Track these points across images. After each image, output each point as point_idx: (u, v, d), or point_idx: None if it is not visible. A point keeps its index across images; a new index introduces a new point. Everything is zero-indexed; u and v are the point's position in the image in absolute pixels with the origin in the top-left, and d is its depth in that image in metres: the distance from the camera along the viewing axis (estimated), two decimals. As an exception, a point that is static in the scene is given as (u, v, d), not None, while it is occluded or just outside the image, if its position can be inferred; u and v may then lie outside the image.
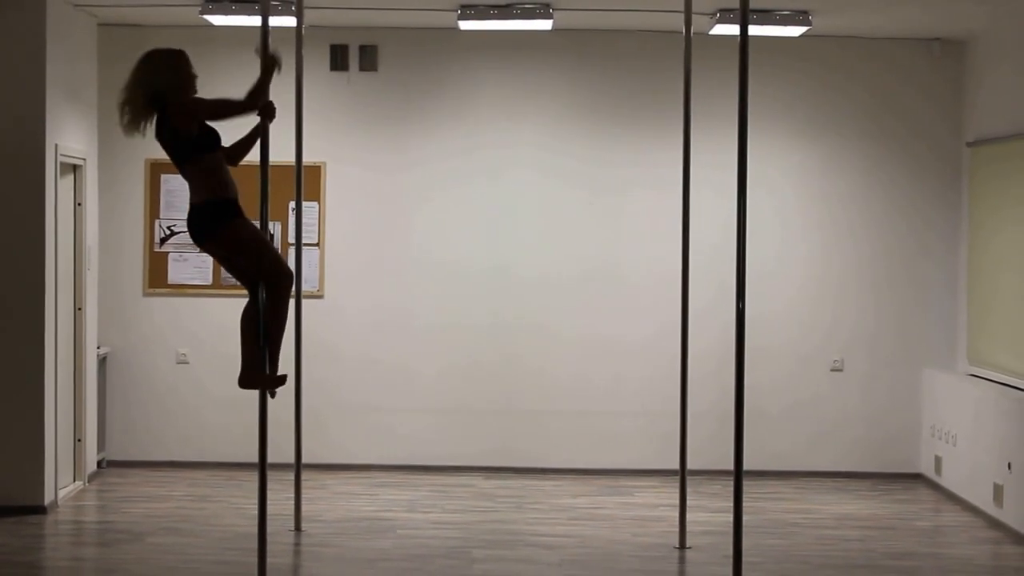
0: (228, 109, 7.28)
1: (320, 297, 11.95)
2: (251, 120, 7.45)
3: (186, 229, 7.35)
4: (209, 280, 11.84)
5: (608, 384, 12.13)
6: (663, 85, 11.75)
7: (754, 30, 10.46)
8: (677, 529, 9.50)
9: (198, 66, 12.13)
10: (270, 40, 7.54)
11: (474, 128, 12.09)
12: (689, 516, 9.58)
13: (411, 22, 11.76)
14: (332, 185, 12.02)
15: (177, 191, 11.79)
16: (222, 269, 11.58)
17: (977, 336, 11.45)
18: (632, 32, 11.94)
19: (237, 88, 11.85)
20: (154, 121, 7.19)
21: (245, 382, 7.49)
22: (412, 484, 11.50)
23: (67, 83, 10.71)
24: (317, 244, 11.84)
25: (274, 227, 11.60)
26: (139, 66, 7.20)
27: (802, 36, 11.44)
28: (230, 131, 7.48)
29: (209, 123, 7.25)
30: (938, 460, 11.63)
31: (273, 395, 7.58)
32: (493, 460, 12.06)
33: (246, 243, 7.27)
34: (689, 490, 9.67)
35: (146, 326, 12.02)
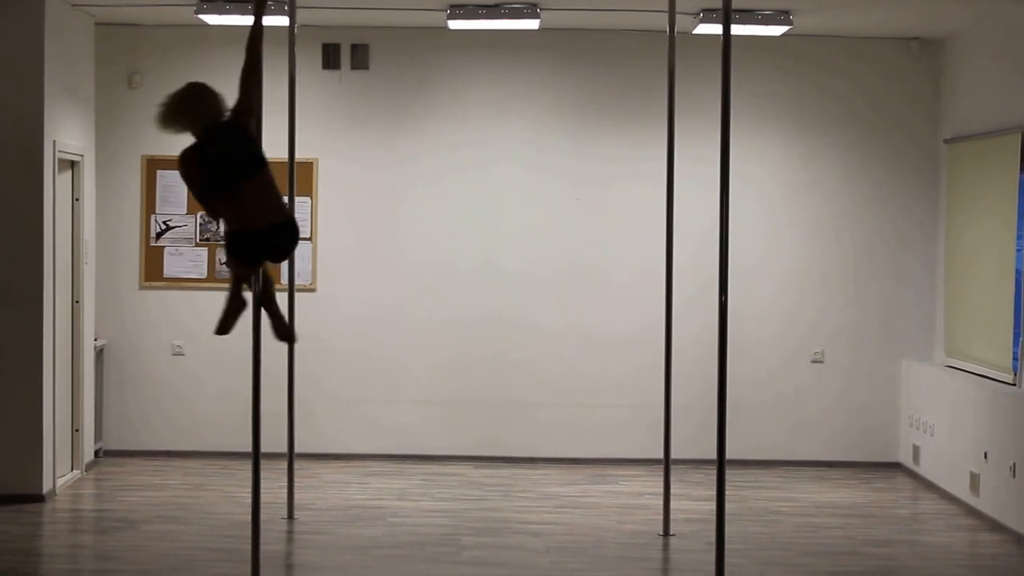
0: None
1: (312, 291, 12.07)
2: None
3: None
4: (204, 274, 11.94)
5: (594, 376, 12.27)
6: (648, 83, 11.88)
7: (737, 29, 10.62)
8: (661, 517, 9.62)
9: (194, 64, 12.38)
10: (264, 41, 7.67)
11: (463, 125, 12.22)
12: (673, 504, 9.70)
13: (401, 21, 11.88)
14: (324, 181, 12.15)
15: (173, 187, 11.92)
16: (217, 263, 11.79)
17: (954, 328, 11.62)
18: (617, 31, 12.08)
19: (230, 87, 12.07)
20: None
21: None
22: (403, 473, 11.61)
23: (65, 81, 10.82)
24: (309, 239, 11.92)
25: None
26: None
27: (784, 35, 11.57)
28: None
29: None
30: (916, 450, 11.80)
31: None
32: (482, 450, 12.19)
33: None
34: (673, 479, 9.80)
35: (142, 319, 12.12)
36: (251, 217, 7.31)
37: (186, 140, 7.54)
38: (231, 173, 7.32)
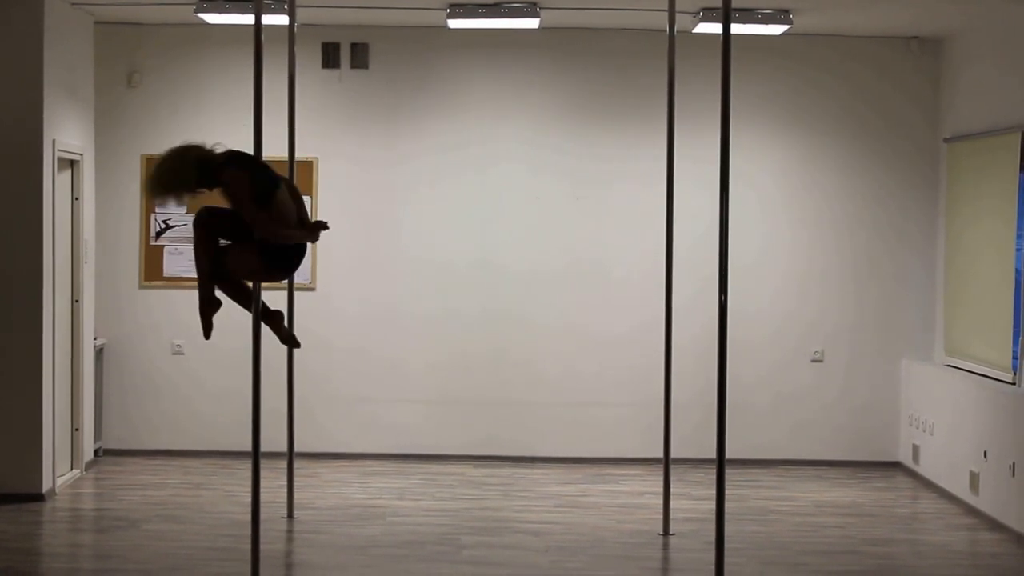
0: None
1: (312, 289, 12.07)
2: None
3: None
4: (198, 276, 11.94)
5: (594, 375, 12.27)
6: (648, 82, 11.90)
7: (736, 28, 10.63)
8: (661, 516, 9.63)
9: (193, 64, 12.38)
10: (263, 39, 7.67)
11: (463, 124, 12.23)
12: (673, 503, 9.71)
13: (401, 20, 11.88)
14: (324, 180, 12.15)
15: (172, 186, 11.93)
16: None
17: (953, 328, 11.63)
18: (617, 30, 12.09)
19: (229, 86, 12.10)
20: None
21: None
22: (402, 472, 11.62)
23: (64, 80, 10.83)
24: (309, 238, 11.93)
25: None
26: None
27: (783, 34, 11.58)
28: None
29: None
30: (916, 449, 11.81)
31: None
32: (482, 449, 12.21)
33: None
34: (673, 478, 9.81)
35: (142, 318, 12.13)
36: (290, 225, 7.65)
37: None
38: (268, 181, 7.60)
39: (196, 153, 7.62)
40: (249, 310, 7.80)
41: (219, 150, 7.68)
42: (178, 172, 7.59)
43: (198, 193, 7.68)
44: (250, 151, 7.74)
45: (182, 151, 7.65)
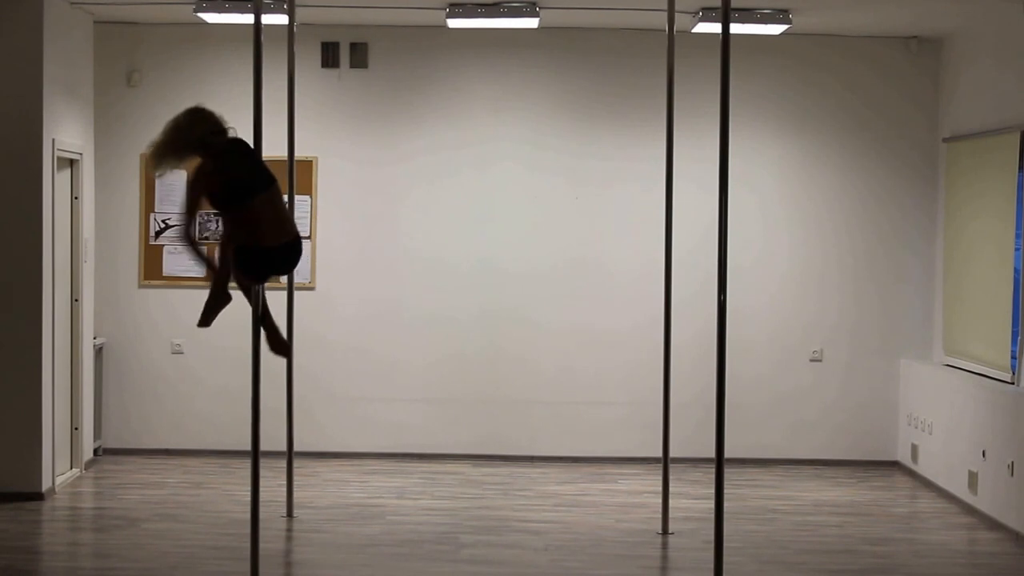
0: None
1: (311, 289, 12.08)
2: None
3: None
4: (203, 272, 11.94)
5: (593, 374, 12.28)
6: (647, 82, 11.90)
7: (736, 28, 10.63)
8: (660, 515, 9.63)
9: (193, 63, 12.39)
10: (262, 39, 7.67)
11: (462, 124, 12.23)
12: (672, 503, 9.71)
13: (401, 20, 11.89)
14: (324, 179, 12.16)
15: (172, 185, 11.93)
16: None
17: (952, 327, 11.63)
18: (617, 30, 12.09)
19: (229, 85, 12.08)
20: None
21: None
22: (402, 471, 11.63)
23: (64, 79, 10.83)
24: (309, 237, 11.91)
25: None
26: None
27: (782, 34, 11.58)
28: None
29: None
30: (914, 448, 11.82)
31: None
32: (481, 448, 12.21)
33: None
34: (672, 477, 9.82)
35: (141, 317, 12.13)
36: (264, 234, 7.51)
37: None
38: (243, 187, 7.51)
39: (200, 132, 7.51)
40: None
41: (229, 131, 7.61)
42: (174, 146, 7.52)
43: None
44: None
45: (188, 126, 7.53)
